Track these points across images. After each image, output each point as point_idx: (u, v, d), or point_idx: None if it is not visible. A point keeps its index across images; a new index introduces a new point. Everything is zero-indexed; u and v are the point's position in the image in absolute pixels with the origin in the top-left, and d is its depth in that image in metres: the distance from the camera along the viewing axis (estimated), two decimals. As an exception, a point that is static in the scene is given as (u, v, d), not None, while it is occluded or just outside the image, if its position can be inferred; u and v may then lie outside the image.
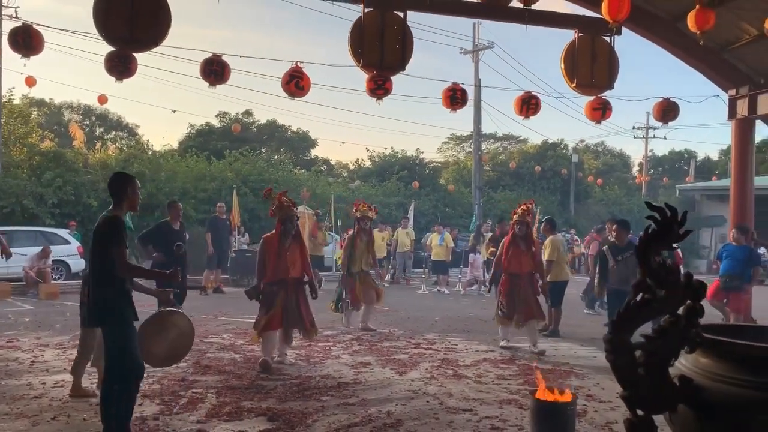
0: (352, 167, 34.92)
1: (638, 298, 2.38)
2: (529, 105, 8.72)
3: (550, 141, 33.94)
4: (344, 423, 4.79)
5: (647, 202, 2.45)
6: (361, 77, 8.21)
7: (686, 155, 46.71)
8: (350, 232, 9.55)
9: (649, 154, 43.54)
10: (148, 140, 32.98)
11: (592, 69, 8.72)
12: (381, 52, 7.97)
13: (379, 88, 8.04)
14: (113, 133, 38.29)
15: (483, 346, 8.10)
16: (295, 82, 8.04)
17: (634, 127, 41.26)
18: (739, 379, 2.32)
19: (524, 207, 8.06)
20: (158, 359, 4.82)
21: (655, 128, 40.88)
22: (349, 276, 8.93)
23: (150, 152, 21.90)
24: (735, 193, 9.44)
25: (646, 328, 2.39)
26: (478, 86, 24.40)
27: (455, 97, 8.49)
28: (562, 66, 8.70)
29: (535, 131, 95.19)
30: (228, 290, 13.71)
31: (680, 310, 2.39)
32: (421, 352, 7.62)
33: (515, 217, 7.96)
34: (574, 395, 4.31)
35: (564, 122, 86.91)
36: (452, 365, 6.93)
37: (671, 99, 9.10)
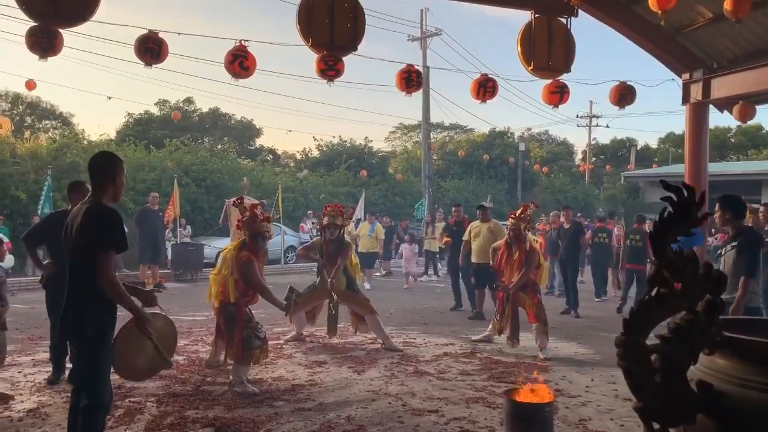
0: (299, 157, 34.22)
1: (653, 293, 2.04)
2: (486, 88, 8.40)
3: (497, 130, 34.10)
4: (301, 432, 4.36)
5: (663, 182, 2.11)
6: (308, 63, 7.71)
7: (627, 143, 47.80)
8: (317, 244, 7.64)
9: (592, 142, 44.45)
10: (83, 129, 31.47)
11: (549, 52, 8.46)
12: (331, 30, 7.48)
13: (330, 69, 7.55)
14: (45, 122, 36.34)
15: (442, 339, 7.78)
16: (239, 62, 7.47)
17: (577, 116, 42.06)
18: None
19: (519, 211, 7.37)
20: (136, 372, 3.95)
21: (598, 117, 41.86)
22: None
23: (85, 142, 20.70)
24: (689, 179, 9.37)
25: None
26: (426, 73, 24.08)
27: (410, 80, 8.08)
28: (519, 49, 8.40)
29: (482, 119, 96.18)
30: (170, 285, 13.00)
31: (698, 306, 2.07)
32: (378, 348, 7.23)
33: (510, 222, 7.37)
34: (552, 395, 4.00)
35: (510, 110, 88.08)
36: (412, 361, 6.58)
37: (628, 83, 8.96)
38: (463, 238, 9.56)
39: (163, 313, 3.87)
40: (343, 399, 5.18)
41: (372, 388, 5.53)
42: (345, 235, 7.63)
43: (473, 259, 9.29)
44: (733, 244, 4.59)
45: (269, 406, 4.96)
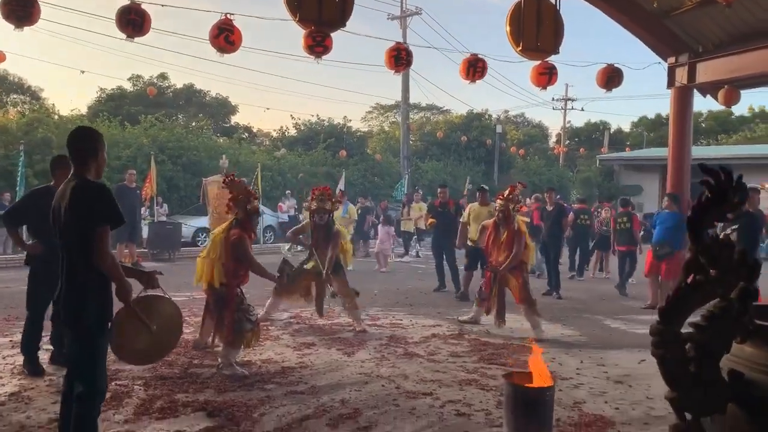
0: (275, 135, 33.81)
1: (689, 280, 1.98)
2: (475, 68, 8.31)
3: (475, 111, 34.07)
4: (296, 416, 4.27)
5: (701, 165, 2.04)
6: (284, 39, 7.52)
7: (601, 126, 48.24)
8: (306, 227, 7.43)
9: (567, 125, 44.76)
10: (53, 104, 30.62)
11: (537, 33, 8.39)
12: (319, 5, 7.31)
13: (318, 45, 7.38)
14: (13, 96, 35.24)
15: (429, 321, 7.75)
16: (225, 36, 7.26)
17: (553, 99, 42.26)
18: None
19: (507, 192, 7.27)
20: (139, 356, 3.84)
21: (573, 100, 42.13)
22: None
23: (56, 117, 20.14)
24: (672, 162, 9.47)
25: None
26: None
27: (399, 58, 7.95)
28: (508, 29, 8.30)
29: (461, 101, 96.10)
30: (147, 265, 12.74)
31: (732, 293, 2.02)
32: (366, 329, 7.17)
33: (499, 203, 7.30)
34: (554, 379, 3.98)
35: (487, 92, 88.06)
36: (401, 343, 6.53)
37: (615, 65, 8.95)
38: (461, 220, 9.54)
39: (167, 297, 3.73)
40: (335, 382, 5.11)
41: (364, 370, 5.46)
42: (335, 223, 7.42)
43: (470, 242, 9.22)
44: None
45: (260, 389, 4.86)
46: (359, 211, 15.56)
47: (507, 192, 7.33)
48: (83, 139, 3.29)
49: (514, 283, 7.12)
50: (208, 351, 5.83)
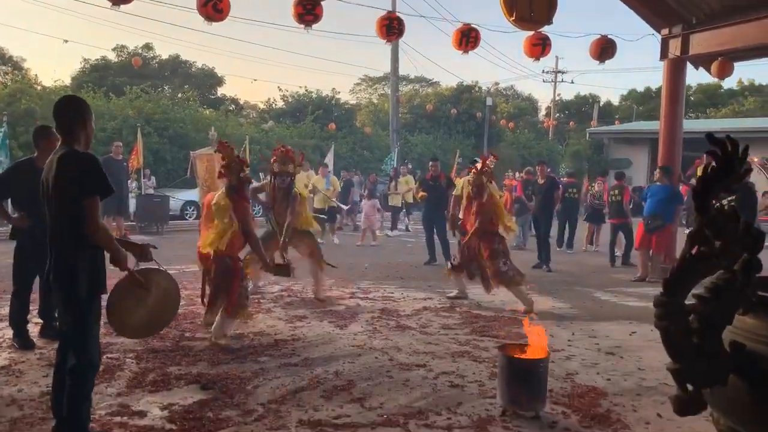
0: (262, 107, 33.45)
1: (693, 251, 1.96)
2: (468, 38, 8.20)
3: (464, 84, 33.80)
4: (290, 387, 4.26)
5: (708, 135, 2.01)
6: (274, 8, 7.37)
7: (590, 100, 48.14)
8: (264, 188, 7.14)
9: (557, 98, 44.62)
10: (36, 75, 30.05)
11: (531, 2, 8.27)
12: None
13: (308, 13, 7.25)
14: (-7, 66, 34.55)
15: (420, 294, 7.76)
16: (213, 4, 7.09)
17: (543, 71, 42.03)
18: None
19: (479, 165, 7.11)
20: (135, 330, 3.85)
21: (563, 72, 41.93)
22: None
23: (39, 88, 19.75)
24: (664, 135, 9.44)
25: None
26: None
27: (391, 27, 7.82)
28: (501, -2, 8.18)
29: (450, 72, 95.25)
30: (135, 238, 12.63)
31: (736, 265, 2.00)
32: (357, 302, 7.17)
33: (472, 176, 7.17)
34: (548, 350, 3.99)
35: (477, 64, 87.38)
36: (393, 316, 6.53)
37: (609, 37, 8.86)
38: (454, 193, 9.44)
39: (163, 269, 3.68)
40: (328, 354, 5.10)
41: (356, 342, 5.46)
42: (296, 187, 7.07)
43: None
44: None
45: (254, 361, 4.85)
46: (342, 184, 15.46)
47: (480, 165, 7.22)
48: (70, 109, 3.21)
49: (484, 255, 6.99)
50: (199, 324, 5.80)
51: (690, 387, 1.99)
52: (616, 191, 10.79)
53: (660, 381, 4.57)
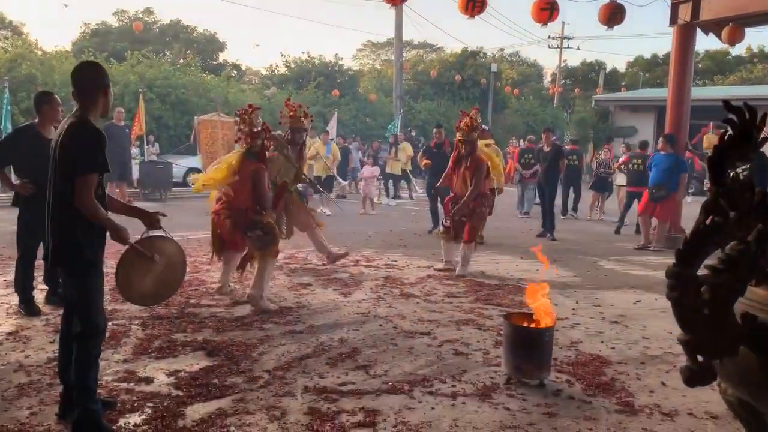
0: (264, 73, 33.12)
1: (707, 222, 1.92)
2: (475, 3, 8.03)
3: (469, 50, 33.35)
4: (295, 355, 4.28)
5: (725, 102, 1.95)
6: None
7: (596, 66, 47.54)
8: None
9: (562, 65, 44.03)
10: (36, 40, 29.72)
11: (539, -34, 8.12)
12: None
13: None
14: (-7, 31, 34.14)
15: (424, 262, 7.76)
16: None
17: (549, 37, 41.42)
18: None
19: (468, 121, 6.98)
20: (142, 297, 3.84)
21: (569, 38, 41.32)
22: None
23: (39, 53, 19.52)
24: (672, 102, 9.32)
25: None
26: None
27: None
28: (509, -39, 8.01)
29: (454, 37, 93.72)
30: (139, 205, 12.60)
31: (750, 236, 1.97)
32: (361, 270, 7.18)
33: (459, 134, 7.05)
34: (554, 318, 3.99)
35: (482, 28, 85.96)
36: (397, 284, 6.54)
37: (618, 1, 8.68)
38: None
39: (170, 236, 3.67)
40: (333, 321, 5.12)
41: (361, 310, 5.48)
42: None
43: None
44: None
45: (259, 328, 4.86)
46: (340, 152, 15.30)
47: (468, 121, 7.00)
48: (89, 75, 3.13)
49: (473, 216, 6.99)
50: (207, 292, 5.83)
51: (700, 358, 1.97)
52: (639, 161, 10.79)
53: (665, 350, 4.59)
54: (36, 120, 5.19)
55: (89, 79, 3.10)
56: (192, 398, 3.50)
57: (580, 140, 14.89)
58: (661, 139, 9.63)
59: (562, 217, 12.20)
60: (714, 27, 9.33)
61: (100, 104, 3.10)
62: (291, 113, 6.73)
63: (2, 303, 5.37)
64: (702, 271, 1.97)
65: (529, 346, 3.80)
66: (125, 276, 3.52)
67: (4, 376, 3.75)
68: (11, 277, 5.78)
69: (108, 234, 3.14)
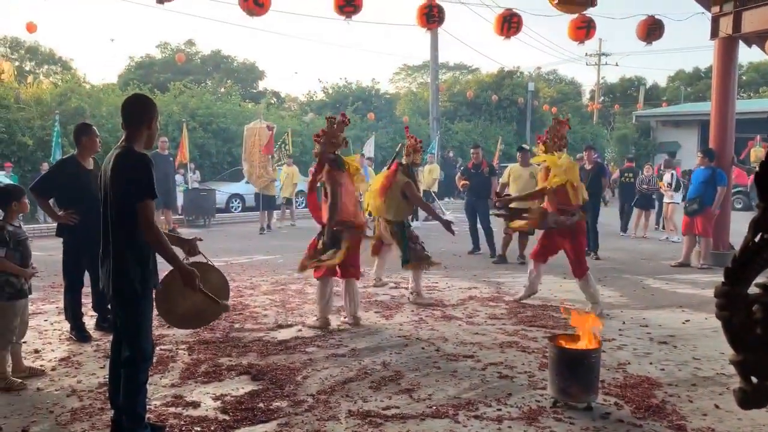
0: (303, 99, 33.65)
1: (756, 239, 1.88)
2: (510, 23, 8.06)
3: (506, 69, 33.32)
4: (338, 378, 4.30)
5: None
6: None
7: (636, 82, 46.90)
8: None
9: (601, 81, 43.61)
10: (84, 74, 30.88)
11: (574, -16, 8.09)
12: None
13: (348, 5, 7.23)
14: (45, 67, 35.65)
15: (465, 283, 7.72)
16: (254, -1, 7.14)
17: (586, 54, 41.16)
18: None
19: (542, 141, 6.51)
20: (180, 320, 3.97)
21: (607, 55, 40.97)
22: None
23: (88, 86, 20.28)
24: (716, 116, 9.11)
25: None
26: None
27: (431, 15, 7.74)
28: (543, -19, 8.02)
29: (489, 58, 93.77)
30: (183, 231, 12.91)
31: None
32: (402, 292, 7.18)
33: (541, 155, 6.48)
34: (600, 340, 3.91)
35: (517, 48, 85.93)
36: (439, 306, 6.52)
37: (656, 17, 8.59)
38: (501, 181, 9.50)
39: (212, 263, 3.74)
40: (375, 344, 5.12)
41: (403, 333, 5.47)
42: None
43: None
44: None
45: (302, 352, 4.90)
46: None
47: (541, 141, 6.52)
48: (137, 108, 3.24)
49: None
50: (248, 315, 5.90)
51: (754, 379, 1.92)
52: (630, 174, 11.35)
53: (717, 371, 4.45)
54: (76, 151, 5.37)
55: (136, 111, 3.21)
56: (238, 422, 3.54)
57: (635, 158, 14.88)
58: (698, 153, 9.43)
59: (621, 234, 12.72)
60: (757, 39, 9.14)
61: (144, 135, 3.20)
62: (414, 148, 6.89)
63: (55, 329, 5.54)
64: (753, 290, 1.92)
65: (575, 368, 3.73)
66: (167, 299, 3.59)
67: (57, 401, 3.86)
68: (62, 304, 5.98)
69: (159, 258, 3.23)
